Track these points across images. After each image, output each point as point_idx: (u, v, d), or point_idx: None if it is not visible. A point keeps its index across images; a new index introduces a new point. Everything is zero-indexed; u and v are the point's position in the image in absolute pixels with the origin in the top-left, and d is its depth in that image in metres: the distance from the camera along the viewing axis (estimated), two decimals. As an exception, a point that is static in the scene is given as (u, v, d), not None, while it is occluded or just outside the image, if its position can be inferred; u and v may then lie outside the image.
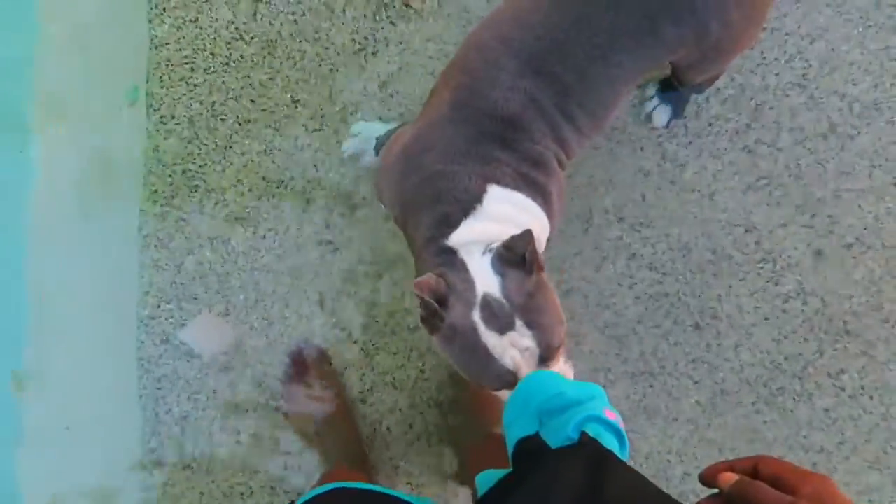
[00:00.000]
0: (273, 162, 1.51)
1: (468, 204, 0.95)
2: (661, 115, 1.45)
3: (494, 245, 0.90)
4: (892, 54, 1.48)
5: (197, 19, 1.49)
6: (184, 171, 1.51)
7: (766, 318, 1.49)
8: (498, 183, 0.97)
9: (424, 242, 0.98)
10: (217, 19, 1.49)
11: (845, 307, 1.48)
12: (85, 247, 1.53)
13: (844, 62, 1.48)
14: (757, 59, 1.48)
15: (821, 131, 1.48)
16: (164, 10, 1.49)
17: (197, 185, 1.51)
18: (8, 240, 1.52)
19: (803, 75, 1.48)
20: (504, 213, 0.96)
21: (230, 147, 1.51)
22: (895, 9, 1.47)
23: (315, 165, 1.50)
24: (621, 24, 0.96)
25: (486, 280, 0.88)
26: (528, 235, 0.88)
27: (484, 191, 0.96)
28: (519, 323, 0.86)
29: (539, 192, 1.00)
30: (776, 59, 1.48)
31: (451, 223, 0.95)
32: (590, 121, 1.03)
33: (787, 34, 1.48)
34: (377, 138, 1.38)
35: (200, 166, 1.51)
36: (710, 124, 1.49)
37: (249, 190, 1.51)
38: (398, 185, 1.05)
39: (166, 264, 1.51)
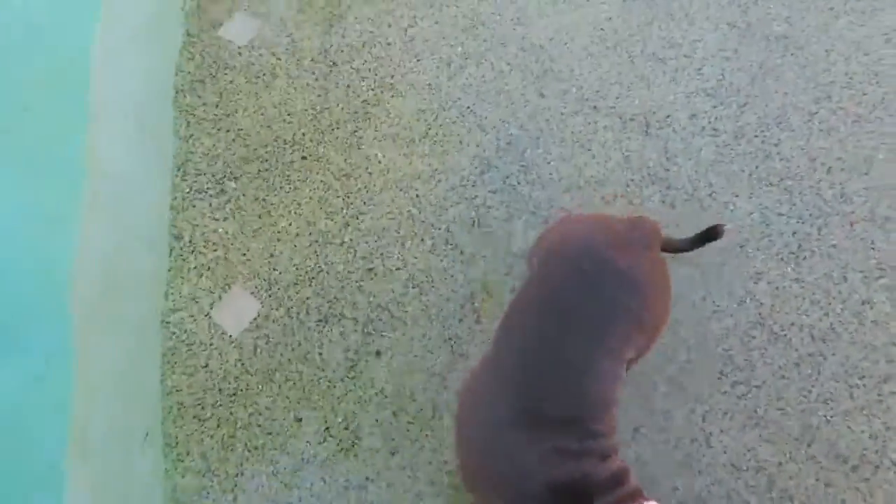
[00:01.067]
0: (282, 482, 1.56)
1: None
2: None
3: None
4: (833, 279, 1.62)
5: (207, 364, 1.66)
6: (198, 509, 1.56)
7: (803, 564, 1.42)
8: None
9: None
10: (227, 361, 1.66)
11: (879, 537, 1.43)
12: None
13: (791, 296, 1.61)
14: (710, 308, 1.62)
15: (792, 362, 1.56)
16: (176, 363, 1.66)
17: (211, 520, 1.55)
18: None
19: (759, 314, 1.61)
20: None
21: (241, 475, 1.58)
22: (818, 242, 1.64)
23: (323, 479, 1.56)
24: (576, 342, 1.14)
25: None
26: None
27: None
28: None
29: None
30: (727, 305, 1.62)
31: None
32: (603, 426, 1.14)
33: (730, 280, 1.64)
34: None
35: (214, 500, 1.56)
36: (683, 369, 1.57)
37: (262, 516, 1.54)
38: None
39: None
